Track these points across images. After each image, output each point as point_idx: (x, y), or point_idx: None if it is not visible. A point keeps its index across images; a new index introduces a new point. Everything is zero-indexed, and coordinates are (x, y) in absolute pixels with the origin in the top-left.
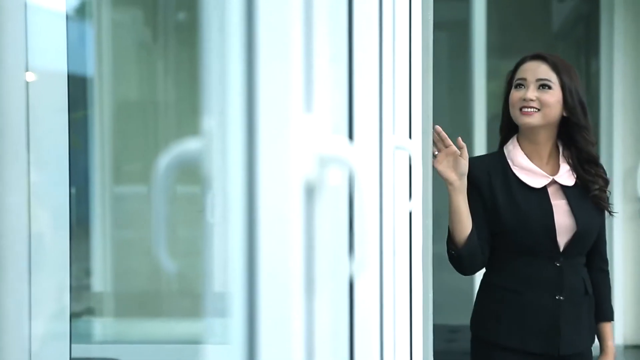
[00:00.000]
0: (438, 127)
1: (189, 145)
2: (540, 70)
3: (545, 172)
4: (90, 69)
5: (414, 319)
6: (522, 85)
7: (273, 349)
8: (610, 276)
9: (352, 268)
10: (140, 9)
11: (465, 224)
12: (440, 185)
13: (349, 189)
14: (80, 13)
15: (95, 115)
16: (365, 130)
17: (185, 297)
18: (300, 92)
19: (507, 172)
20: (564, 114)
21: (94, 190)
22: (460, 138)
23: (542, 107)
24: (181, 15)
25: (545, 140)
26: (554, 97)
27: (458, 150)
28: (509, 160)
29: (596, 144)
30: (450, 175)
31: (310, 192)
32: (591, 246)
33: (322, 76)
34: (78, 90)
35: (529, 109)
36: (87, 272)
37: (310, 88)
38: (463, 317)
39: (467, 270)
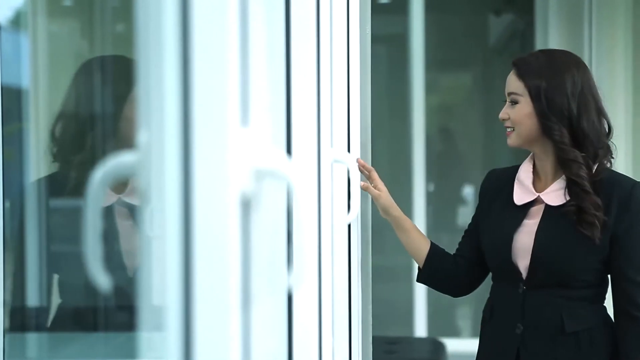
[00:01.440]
0: (359, 160)
1: (124, 158)
2: (509, 82)
3: (538, 188)
4: (25, 81)
5: (353, 331)
6: (505, 102)
7: None
8: None
9: (290, 281)
10: (77, 20)
11: (412, 247)
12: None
13: (287, 202)
14: (15, 24)
15: (31, 127)
16: (303, 144)
17: (122, 311)
18: (236, 106)
19: (511, 186)
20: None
21: (29, 203)
22: (357, 179)
23: (514, 125)
24: (119, 27)
25: (545, 156)
26: (521, 111)
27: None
28: (517, 173)
29: (593, 162)
30: (382, 214)
31: (246, 205)
32: (612, 284)
33: (258, 90)
34: (13, 102)
35: (507, 129)
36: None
37: (247, 102)
38: (402, 329)
39: (446, 292)
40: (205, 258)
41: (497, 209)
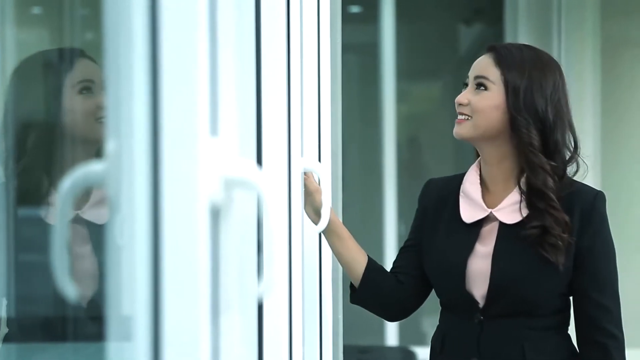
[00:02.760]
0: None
1: (93, 168)
2: (480, 65)
3: (489, 202)
4: None
5: (324, 340)
6: (466, 85)
7: None
8: (618, 352)
9: (261, 290)
10: (46, 28)
11: (347, 258)
12: (350, 207)
13: (258, 211)
14: None
15: None
16: (273, 153)
17: (92, 321)
18: (206, 116)
19: (456, 200)
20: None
21: None
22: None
23: (472, 113)
24: (88, 36)
25: (497, 160)
26: (488, 100)
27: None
28: (462, 184)
29: (564, 171)
30: (311, 216)
31: (216, 215)
32: (575, 308)
33: (228, 100)
34: None
35: (460, 116)
36: None
37: (216, 111)
38: (373, 338)
39: (384, 314)
40: (174, 267)
41: (443, 228)
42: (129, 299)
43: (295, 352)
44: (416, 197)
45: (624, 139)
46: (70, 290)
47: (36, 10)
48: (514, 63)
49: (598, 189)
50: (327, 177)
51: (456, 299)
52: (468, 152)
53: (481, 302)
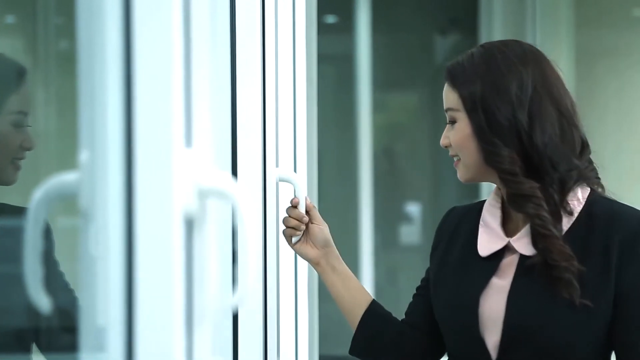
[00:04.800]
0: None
1: (66, 178)
2: (444, 95)
3: (510, 231)
4: None
5: (300, 350)
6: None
7: None
8: None
9: (235, 300)
10: (20, 37)
11: (350, 312)
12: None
13: (233, 221)
14: None
15: None
16: (249, 164)
17: (66, 332)
18: (180, 126)
19: (474, 230)
20: None
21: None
22: (303, 197)
23: (457, 152)
24: (63, 44)
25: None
26: (460, 132)
27: (305, 216)
28: (483, 211)
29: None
30: (310, 252)
31: (189, 225)
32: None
33: (202, 111)
34: None
35: (454, 159)
36: None
37: (190, 122)
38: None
39: None
40: (148, 277)
41: (454, 261)
42: (102, 310)
43: None
44: (392, 208)
45: (598, 148)
46: (43, 300)
47: (10, 19)
48: (465, 75)
49: None
50: (302, 187)
51: (465, 345)
52: (445, 163)
53: (493, 354)
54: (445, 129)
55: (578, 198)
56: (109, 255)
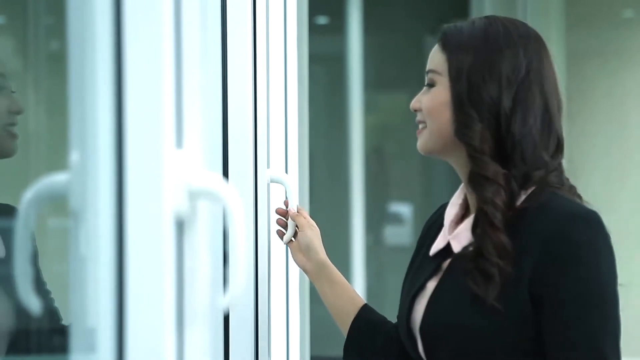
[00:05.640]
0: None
1: (57, 179)
2: (430, 56)
3: (455, 227)
4: None
5: (291, 351)
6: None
7: None
8: None
9: (226, 301)
10: (11, 38)
11: (340, 320)
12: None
13: (224, 222)
14: None
15: None
16: (240, 165)
17: (56, 333)
18: (171, 128)
19: (440, 227)
20: None
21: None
22: (293, 200)
23: (425, 118)
24: (53, 45)
25: (464, 172)
26: (436, 97)
27: (292, 221)
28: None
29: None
30: (298, 258)
31: (180, 226)
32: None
33: (193, 112)
34: None
35: (419, 125)
36: None
37: (181, 124)
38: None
39: None
40: (139, 278)
41: (417, 260)
42: (93, 311)
43: None
44: (383, 208)
45: (587, 149)
46: (33, 302)
47: (0, 19)
48: (460, 42)
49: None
50: (294, 188)
51: (408, 348)
52: (436, 163)
53: (423, 355)
54: (421, 92)
55: (520, 193)
56: (99, 256)
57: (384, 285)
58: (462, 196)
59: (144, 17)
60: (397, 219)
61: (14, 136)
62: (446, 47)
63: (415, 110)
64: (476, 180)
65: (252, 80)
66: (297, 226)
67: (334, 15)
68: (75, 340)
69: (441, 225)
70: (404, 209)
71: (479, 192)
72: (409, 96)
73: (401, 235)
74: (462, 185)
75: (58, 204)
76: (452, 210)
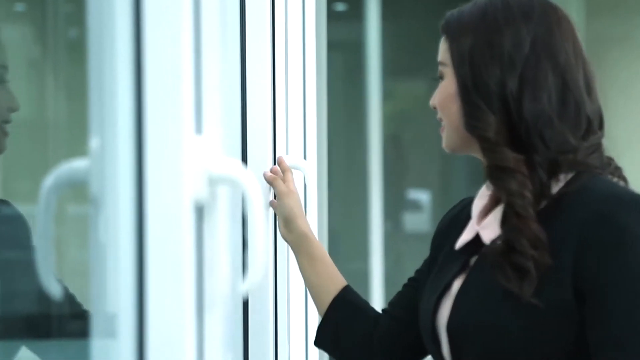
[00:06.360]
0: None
1: (77, 165)
2: (440, 48)
3: (483, 218)
4: None
5: (310, 337)
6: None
7: None
8: None
9: (245, 287)
10: (30, 25)
11: (318, 299)
12: (334, 205)
13: (243, 208)
14: None
15: None
16: (259, 151)
17: (76, 318)
18: (190, 114)
19: (467, 220)
20: None
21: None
22: (280, 161)
23: (442, 115)
24: (72, 33)
25: None
26: (444, 90)
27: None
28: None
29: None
30: (280, 230)
31: (200, 212)
32: None
33: (212, 98)
34: None
35: (441, 124)
36: None
37: (200, 110)
38: None
39: None
40: (159, 264)
41: (441, 259)
42: (113, 297)
43: (281, 349)
44: (401, 195)
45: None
46: (55, 287)
47: (19, 7)
48: (460, 26)
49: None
50: (312, 174)
51: (432, 353)
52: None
53: (447, 356)
54: (437, 88)
55: (558, 179)
56: (119, 243)
57: (402, 272)
58: (491, 187)
59: (164, 3)
60: (415, 206)
61: (6, 134)
62: (448, 35)
63: (434, 108)
64: (496, 174)
65: (270, 67)
66: (274, 194)
67: (352, 2)
68: (96, 325)
69: (467, 219)
70: (422, 196)
71: (502, 186)
72: (427, 83)
73: (419, 222)
74: None
75: (77, 190)
76: (480, 202)
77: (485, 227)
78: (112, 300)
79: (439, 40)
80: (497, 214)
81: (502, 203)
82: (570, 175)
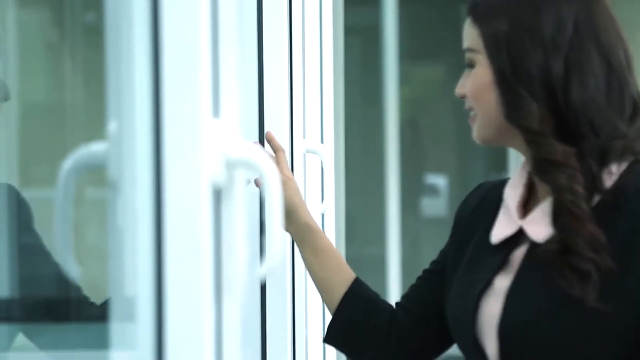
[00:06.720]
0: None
1: (95, 148)
2: (464, 34)
3: (522, 211)
4: None
5: (327, 320)
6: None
7: (181, 354)
8: None
9: (262, 270)
10: (47, 9)
11: (327, 294)
12: (352, 188)
13: (260, 192)
14: None
15: (1, 117)
16: (276, 135)
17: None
18: (208, 97)
19: (496, 210)
20: None
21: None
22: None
23: (474, 105)
24: (89, 16)
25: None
26: (478, 79)
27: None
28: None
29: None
30: None
31: (217, 195)
32: None
33: (230, 82)
34: None
35: (470, 113)
36: None
37: (218, 93)
38: None
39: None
40: (177, 248)
41: (471, 248)
42: (132, 280)
43: (299, 332)
44: (418, 180)
45: None
46: (74, 270)
47: None
48: (491, 9)
49: None
50: (329, 159)
51: (468, 354)
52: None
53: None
54: (463, 75)
55: (610, 171)
56: (137, 226)
57: (419, 257)
58: (524, 175)
59: None
60: (432, 190)
61: None
62: (477, 19)
63: (462, 97)
64: (544, 168)
65: (288, 51)
66: None
67: None
68: (115, 309)
69: (494, 209)
70: (439, 181)
71: (550, 180)
72: (445, 68)
73: (437, 207)
74: (522, 164)
75: (96, 174)
76: (514, 192)
77: (532, 222)
78: (131, 284)
79: (456, 24)
80: (544, 208)
81: (543, 196)
82: (623, 166)
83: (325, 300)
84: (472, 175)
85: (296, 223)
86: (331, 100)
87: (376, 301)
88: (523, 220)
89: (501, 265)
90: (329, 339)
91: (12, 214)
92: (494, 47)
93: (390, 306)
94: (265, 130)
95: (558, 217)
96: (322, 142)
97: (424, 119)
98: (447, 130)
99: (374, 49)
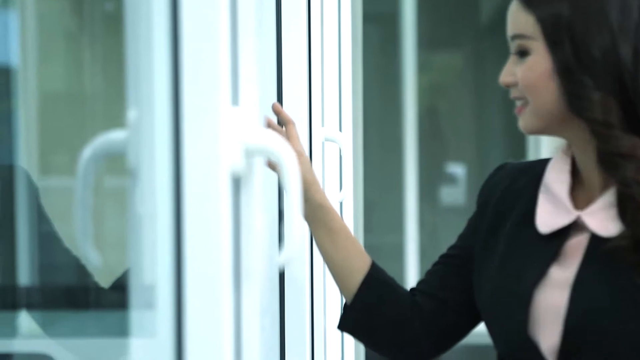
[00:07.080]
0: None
1: (114, 136)
2: (511, 18)
3: (581, 202)
4: (14, 60)
5: None
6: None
7: (200, 342)
8: None
9: (281, 258)
10: None
11: (339, 258)
12: (370, 176)
13: (279, 179)
14: (3, 3)
15: (20, 106)
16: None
17: (113, 290)
18: (227, 85)
19: (534, 198)
20: None
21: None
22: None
23: (525, 94)
24: (108, 5)
25: (584, 144)
26: (533, 69)
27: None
28: (545, 174)
29: None
30: None
31: (237, 183)
32: None
33: (248, 69)
34: (2, 81)
35: (517, 102)
36: (12, 266)
37: (237, 81)
38: None
39: (388, 354)
40: (196, 235)
41: (509, 238)
42: (151, 268)
43: (317, 320)
44: (437, 169)
45: None
46: (94, 257)
47: None
48: None
49: None
50: (348, 146)
51: (514, 348)
52: (490, 122)
53: (550, 356)
54: (509, 63)
55: None
56: (156, 214)
57: (437, 246)
58: (567, 161)
59: None
60: (451, 179)
61: None
62: (531, 4)
63: (508, 86)
64: (609, 161)
65: (306, 38)
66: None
67: None
68: (135, 296)
69: (528, 193)
70: (458, 170)
71: (616, 174)
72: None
73: (455, 195)
74: (562, 149)
75: (115, 162)
76: (558, 177)
77: (593, 214)
78: (150, 272)
79: (475, 11)
80: (606, 199)
81: (610, 189)
82: None
83: (340, 283)
84: (491, 164)
85: (309, 202)
86: (349, 88)
87: (396, 286)
88: (582, 211)
89: (556, 255)
90: (346, 324)
91: (23, 198)
92: (555, 34)
93: (407, 291)
94: (273, 104)
95: (625, 211)
96: (340, 130)
97: (443, 107)
98: (466, 118)
99: (393, 37)
